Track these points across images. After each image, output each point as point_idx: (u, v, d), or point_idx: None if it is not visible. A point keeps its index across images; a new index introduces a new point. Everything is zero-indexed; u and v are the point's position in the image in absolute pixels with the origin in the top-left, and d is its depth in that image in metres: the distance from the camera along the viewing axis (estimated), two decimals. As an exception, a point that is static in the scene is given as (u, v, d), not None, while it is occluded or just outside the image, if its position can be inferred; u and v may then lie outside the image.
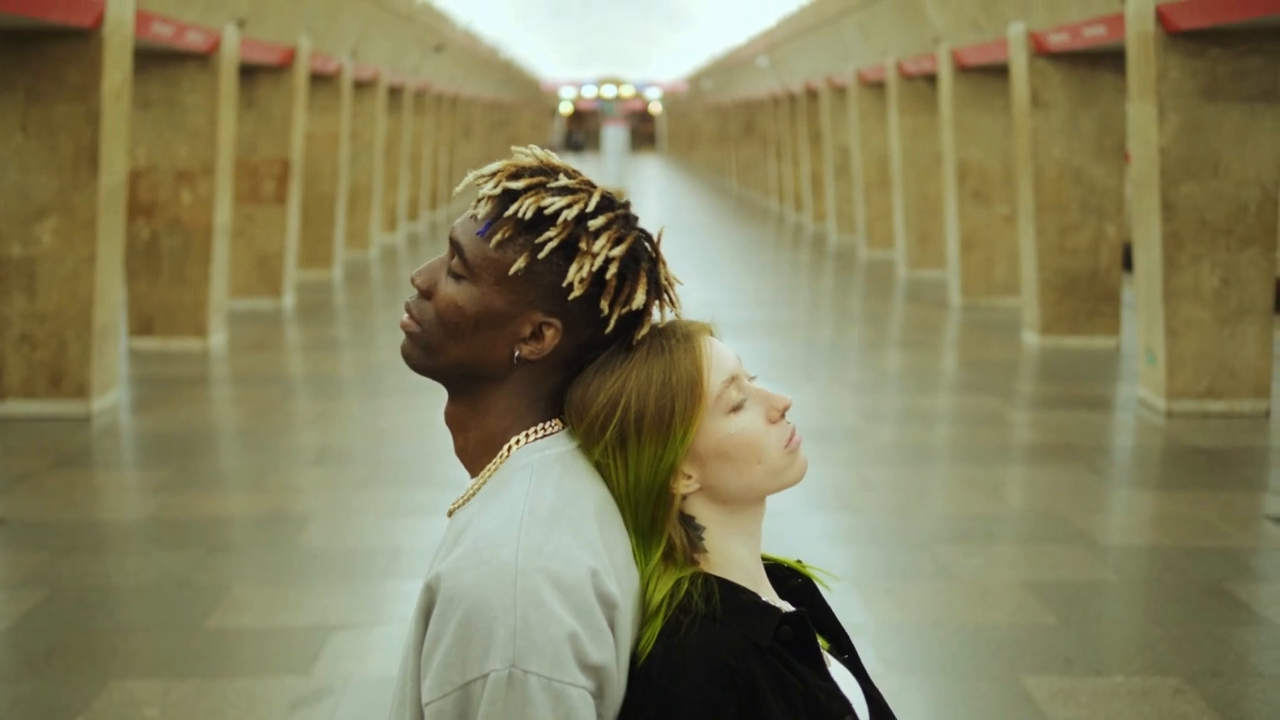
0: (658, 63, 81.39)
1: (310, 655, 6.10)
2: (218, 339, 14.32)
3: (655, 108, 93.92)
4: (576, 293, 1.74)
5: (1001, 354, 14.16)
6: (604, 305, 1.76)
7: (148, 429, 10.90)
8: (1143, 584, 7.26)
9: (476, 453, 1.82)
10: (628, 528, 1.80)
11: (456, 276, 1.78)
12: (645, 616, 1.76)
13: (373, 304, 19.08)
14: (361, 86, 23.31)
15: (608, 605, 1.65)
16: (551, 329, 1.76)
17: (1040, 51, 14.09)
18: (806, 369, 13.69)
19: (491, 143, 50.51)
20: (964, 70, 17.45)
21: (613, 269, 1.75)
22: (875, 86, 23.53)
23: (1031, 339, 14.56)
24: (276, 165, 17.16)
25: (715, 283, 20.82)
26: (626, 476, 1.78)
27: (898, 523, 8.29)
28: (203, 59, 13.92)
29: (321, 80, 20.26)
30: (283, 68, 17.11)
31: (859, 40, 23.22)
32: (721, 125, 54.60)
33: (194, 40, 13.27)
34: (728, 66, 47.47)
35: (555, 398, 1.81)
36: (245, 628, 6.48)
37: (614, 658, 1.66)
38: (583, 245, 1.75)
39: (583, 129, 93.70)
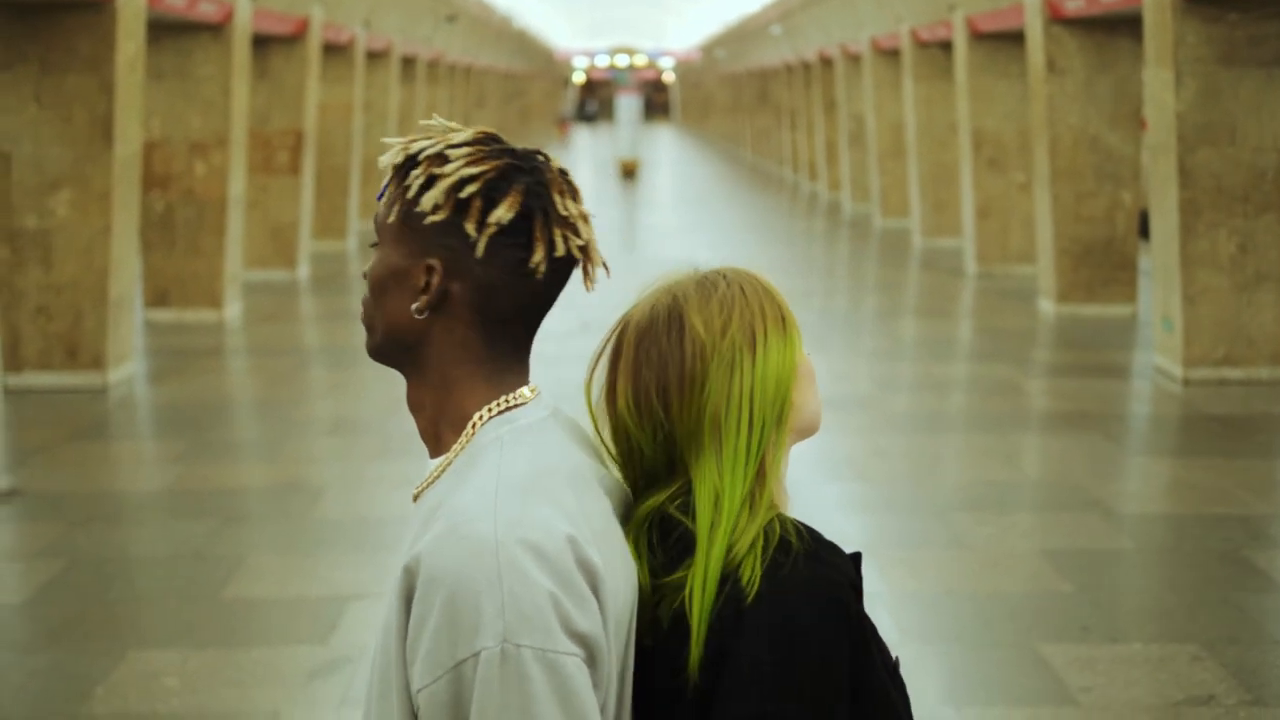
0: (671, 32, 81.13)
1: (327, 625, 6.12)
2: (233, 310, 14.34)
3: (669, 77, 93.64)
4: (432, 217, 1.69)
5: (1017, 322, 14.12)
6: (468, 228, 1.68)
7: (163, 400, 10.92)
8: (1159, 551, 7.25)
9: (439, 432, 1.78)
10: (727, 451, 1.76)
11: (374, 246, 1.79)
12: (732, 558, 1.71)
13: (387, 275, 19.05)
14: (374, 57, 23.26)
15: (589, 572, 1.61)
16: (435, 272, 1.71)
17: (1056, 18, 14.02)
18: (821, 338, 13.67)
19: (505, 113, 50.45)
20: (979, 37, 17.37)
21: (470, 188, 1.68)
22: (890, 54, 23.43)
23: (1047, 307, 14.53)
24: (290, 136, 17.15)
25: (730, 252, 20.72)
26: (755, 378, 1.76)
27: (912, 491, 8.29)
28: (216, 30, 13.90)
29: (334, 51, 20.22)
30: (295, 38, 17.08)
31: (873, 8, 23.12)
32: (735, 94, 54.45)
33: (207, 11, 13.25)
34: (741, 35, 47.32)
35: (516, 367, 1.77)
36: (262, 598, 6.50)
37: (600, 627, 1.62)
38: (436, 170, 1.70)
39: (596, 99, 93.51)
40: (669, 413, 1.77)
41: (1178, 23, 10.84)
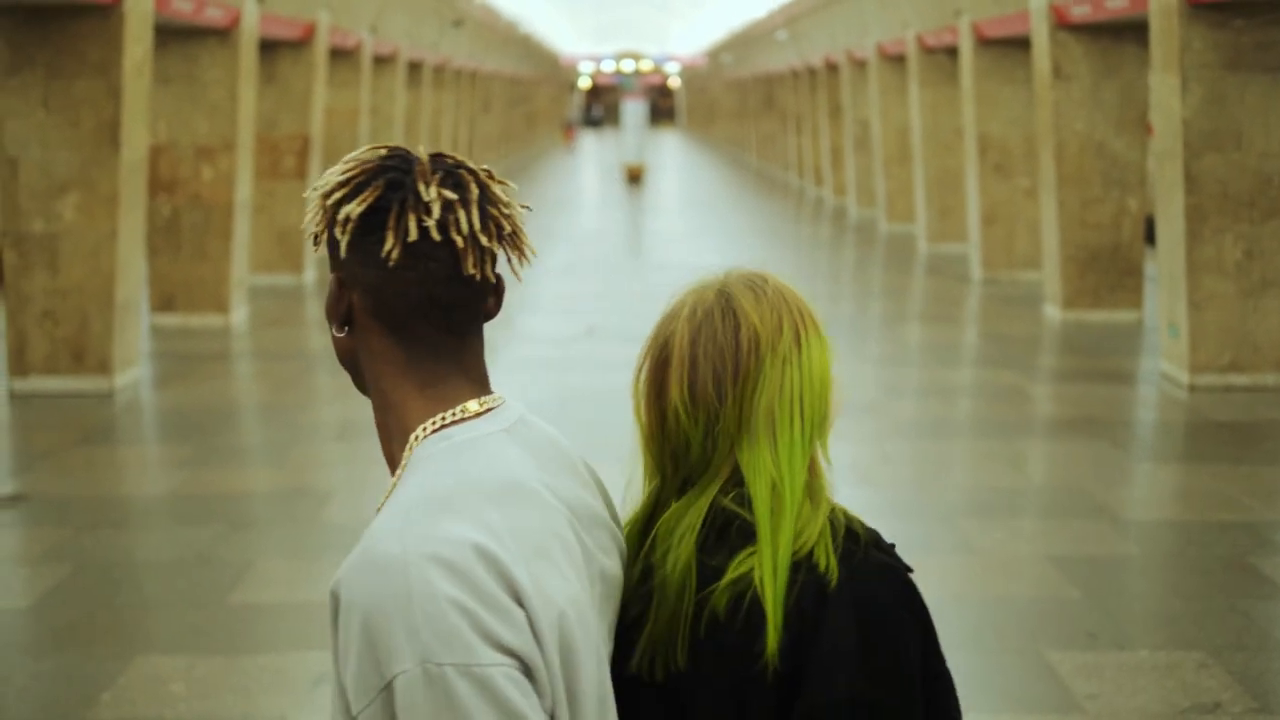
0: (676, 37, 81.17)
1: (333, 630, 6.11)
2: (239, 314, 14.35)
3: (674, 82, 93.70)
4: (314, 231, 1.74)
5: (1023, 328, 14.12)
6: (337, 233, 1.71)
7: (170, 405, 10.93)
8: (1166, 558, 7.25)
9: (392, 451, 1.76)
10: (782, 443, 1.79)
11: None
12: (801, 546, 1.74)
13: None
14: (381, 62, 23.29)
15: (510, 586, 1.58)
16: (339, 284, 1.74)
17: (1062, 23, 14.02)
18: (827, 343, 13.66)
19: (510, 118, 50.49)
20: (985, 43, 17.37)
21: (336, 196, 1.71)
22: (896, 60, 23.43)
23: (1053, 313, 14.52)
24: (297, 141, 17.16)
25: (735, 257, 20.73)
26: (803, 372, 1.80)
27: (918, 497, 8.28)
28: (223, 34, 13.92)
29: (341, 55, 20.24)
30: (302, 43, 17.10)
31: (879, 13, 23.13)
32: (741, 99, 54.46)
33: (214, 16, 13.27)
34: (747, 40, 47.33)
35: (449, 376, 1.75)
36: (268, 603, 6.50)
37: (530, 640, 1.58)
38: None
39: (601, 104, 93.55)
40: (723, 405, 1.79)
41: (1184, 29, 10.84)
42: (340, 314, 1.75)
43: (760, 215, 29.12)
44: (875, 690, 1.67)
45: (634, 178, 38.16)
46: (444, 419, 1.72)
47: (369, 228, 1.69)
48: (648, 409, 1.86)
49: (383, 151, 1.74)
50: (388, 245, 1.67)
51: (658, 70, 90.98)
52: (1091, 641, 5.98)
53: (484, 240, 1.70)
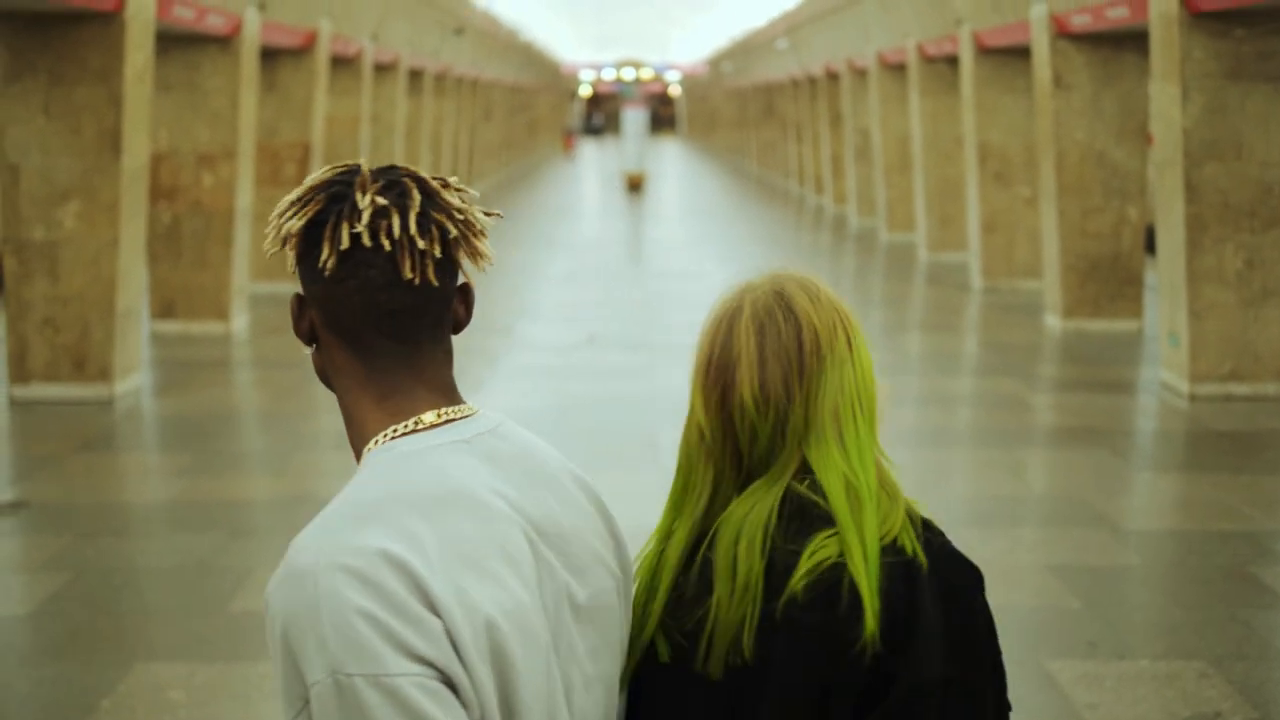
0: (677, 45, 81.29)
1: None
2: (239, 322, 14.35)
3: (675, 90, 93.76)
4: (270, 250, 1.76)
5: (1023, 337, 14.12)
6: (287, 252, 1.74)
7: (170, 412, 10.93)
8: (1166, 568, 7.24)
9: (359, 465, 1.78)
10: (849, 440, 1.84)
11: None
12: (885, 535, 1.77)
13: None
14: (382, 70, 23.30)
15: (424, 595, 1.58)
16: (299, 301, 1.77)
17: (1062, 33, 14.03)
18: (827, 352, 13.67)
19: (512, 125, 50.51)
20: (985, 52, 17.38)
21: (287, 213, 1.73)
22: (896, 69, 23.45)
23: (1053, 322, 14.52)
24: (297, 148, 17.17)
25: (735, 266, 20.78)
26: (857, 373, 1.87)
27: (920, 506, 8.26)
28: (224, 42, 13.93)
29: (342, 63, 20.26)
30: (304, 51, 17.11)
31: (879, 22, 23.14)
32: (741, 108, 54.50)
33: (215, 23, 13.28)
34: (747, 49, 47.38)
35: (406, 386, 1.75)
36: (268, 610, 6.50)
37: (447, 650, 1.58)
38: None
39: (602, 112, 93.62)
40: (791, 403, 1.81)
41: (1184, 38, 10.84)
42: (304, 331, 1.78)
43: (760, 223, 29.13)
44: (965, 671, 1.73)
45: (634, 186, 38.18)
46: (395, 431, 1.73)
47: (312, 242, 1.71)
48: (711, 411, 1.85)
49: (340, 169, 1.75)
50: (323, 255, 1.68)
51: (658, 79, 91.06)
52: (1092, 651, 5.97)
53: (421, 244, 1.68)
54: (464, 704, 1.59)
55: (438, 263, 1.71)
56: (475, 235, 1.75)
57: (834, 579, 1.72)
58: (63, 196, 10.84)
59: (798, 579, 1.73)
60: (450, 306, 1.78)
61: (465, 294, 1.80)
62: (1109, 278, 14.31)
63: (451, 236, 1.72)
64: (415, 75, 26.83)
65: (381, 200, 1.69)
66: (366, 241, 1.67)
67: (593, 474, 1.95)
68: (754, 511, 1.79)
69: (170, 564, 7.21)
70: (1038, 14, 14.37)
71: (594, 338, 13.87)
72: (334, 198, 1.71)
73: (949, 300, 16.98)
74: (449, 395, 1.79)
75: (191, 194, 14.01)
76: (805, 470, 1.82)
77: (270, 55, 16.61)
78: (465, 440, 1.74)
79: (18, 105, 10.80)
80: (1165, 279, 11.43)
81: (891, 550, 1.76)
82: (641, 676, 1.83)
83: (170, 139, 13.97)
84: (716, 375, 1.85)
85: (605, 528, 1.85)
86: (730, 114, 60.85)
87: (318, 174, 1.76)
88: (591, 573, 1.79)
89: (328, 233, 1.69)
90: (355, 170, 1.74)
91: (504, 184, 41.51)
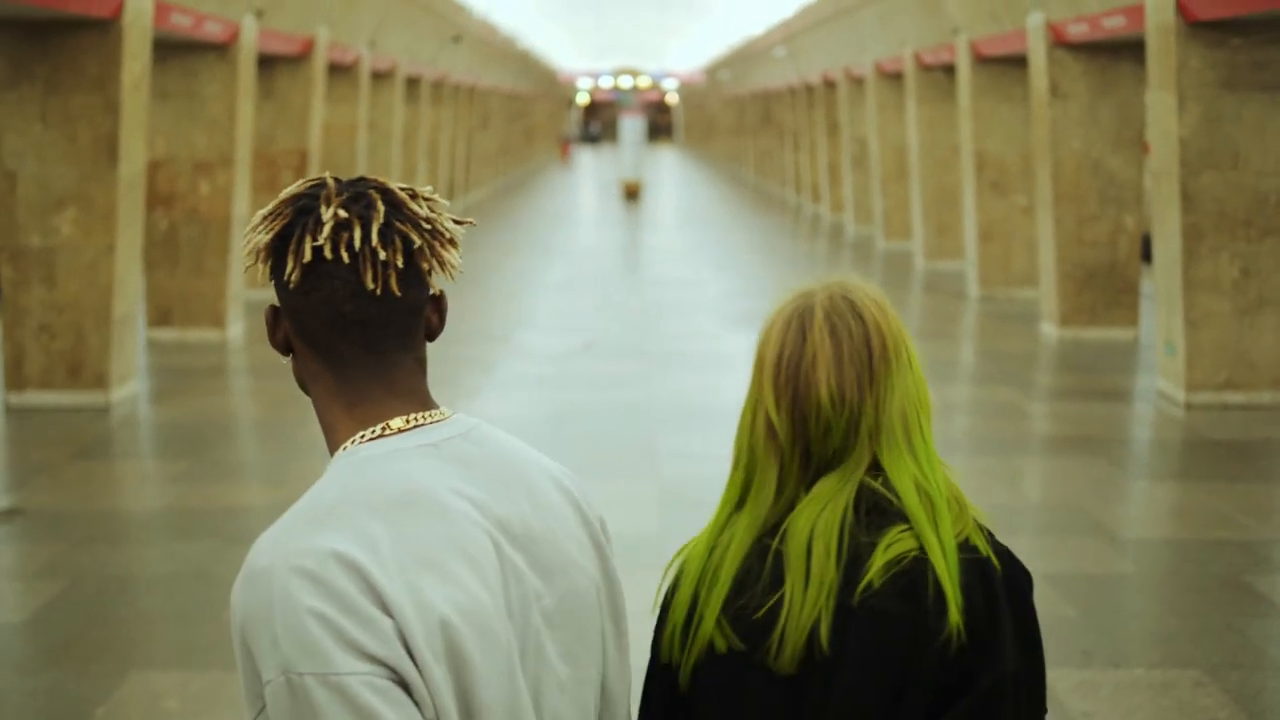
0: (675, 53, 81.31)
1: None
2: (236, 329, 14.35)
3: (672, 98, 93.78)
4: (246, 263, 1.79)
5: (1019, 345, 14.12)
6: (257, 263, 1.78)
7: (166, 419, 10.92)
8: (1162, 576, 7.24)
9: None
10: (917, 443, 1.87)
11: None
12: (958, 535, 1.82)
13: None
14: (379, 77, 23.32)
15: (376, 595, 1.60)
16: (274, 313, 1.82)
17: (1059, 42, 14.04)
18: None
19: (509, 133, 50.52)
20: (982, 61, 17.40)
21: (259, 227, 1.76)
22: (893, 77, 23.47)
23: (1050, 330, 14.53)
24: (294, 156, 17.18)
25: (733, 273, 20.79)
26: (915, 379, 1.91)
27: (916, 514, 8.26)
28: (221, 49, 13.94)
29: (339, 71, 20.27)
30: (301, 58, 17.12)
31: (877, 31, 23.16)
32: (739, 116, 54.53)
33: (212, 31, 13.29)
34: (745, 57, 47.41)
35: (375, 394, 1.77)
36: (264, 618, 6.49)
37: (398, 649, 1.60)
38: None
39: (599, 120, 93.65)
40: (864, 403, 1.86)
41: (1181, 47, 10.86)
42: (279, 342, 1.82)
43: (757, 232, 29.13)
44: (1032, 668, 1.79)
45: (631, 194, 38.19)
46: (362, 437, 1.76)
47: (280, 255, 1.74)
48: (784, 409, 1.88)
49: (311, 183, 1.78)
50: (288, 268, 1.72)
51: (656, 87, 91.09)
52: (1087, 659, 5.97)
53: (383, 255, 1.70)
54: (417, 703, 1.60)
55: (401, 273, 1.73)
56: (443, 245, 1.76)
57: (916, 571, 1.76)
58: (59, 204, 10.84)
59: (875, 570, 1.76)
60: (421, 315, 1.79)
61: (438, 303, 1.82)
62: (1105, 286, 14.32)
63: (416, 247, 1.73)
64: (412, 83, 26.85)
65: (344, 213, 1.71)
66: (328, 254, 1.70)
67: (590, 482, 1.95)
68: (829, 507, 1.82)
69: (166, 571, 7.20)
70: (1034, 23, 14.39)
71: (591, 345, 13.86)
72: (301, 211, 1.73)
73: (945, 308, 16.99)
74: (421, 402, 1.80)
75: (188, 201, 14.01)
76: (876, 468, 1.87)
77: (267, 63, 16.61)
78: (433, 444, 1.76)
79: (14, 112, 10.80)
80: (1162, 288, 11.44)
81: (966, 549, 1.81)
82: (701, 668, 1.84)
83: (167, 146, 13.97)
84: (790, 374, 1.88)
85: (585, 532, 1.85)
86: (728, 122, 60.89)
87: (290, 188, 1.78)
88: (564, 575, 1.79)
89: (292, 246, 1.72)
90: (323, 184, 1.76)
91: (501, 191, 41.53)
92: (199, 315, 14.08)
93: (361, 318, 1.73)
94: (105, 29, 10.78)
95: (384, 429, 1.76)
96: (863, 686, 1.74)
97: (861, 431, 1.85)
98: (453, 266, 1.78)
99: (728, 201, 39.24)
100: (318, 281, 1.72)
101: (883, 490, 1.84)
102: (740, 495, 1.91)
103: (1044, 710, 1.83)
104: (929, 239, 20.82)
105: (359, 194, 1.74)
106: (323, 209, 1.71)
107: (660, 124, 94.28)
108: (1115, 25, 12.57)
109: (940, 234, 20.73)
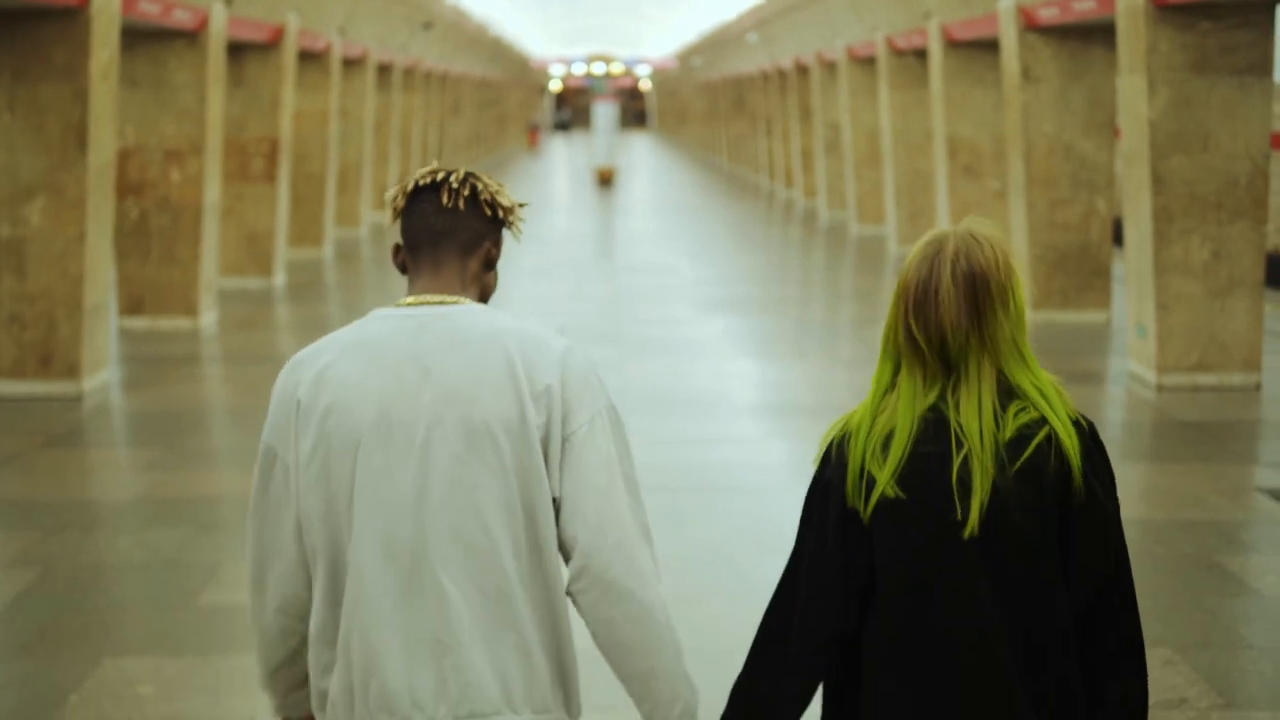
0: (648, 40, 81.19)
1: (303, 632, 6.09)
2: (208, 318, 14.30)
3: (645, 85, 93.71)
4: (389, 219, 2.69)
5: (992, 329, 14.14)
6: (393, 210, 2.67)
7: (138, 408, 10.89)
8: (1133, 556, 7.21)
9: None
10: (1027, 355, 2.47)
11: None
12: (1071, 415, 2.50)
13: (363, 282, 19.06)
14: (350, 64, 23.25)
15: (289, 399, 2.53)
16: (396, 249, 2.69)
17: (1030, 26, 14.07)
18: (798, 345, 13.70)
19: (481, 120, 50.43)
20: (954, 45, 17.44)
21: (392, 190, 2.67)
22: (865, 62, 23.50)
23: (1022, 314, 14.55)
24: (265, 143, 17.12)
25: (706, 260, 20.79)
26: (1018, 309, 2.47)
27: (889, 497, 8.28)
28: (190, 37, 13.88)
29: (310, 58, 20.21)
30: (271, 46, 17.06)
31: (849, 16, 23.18)
32: (711, 102, 54.52)
33: (181, 18, 13.23)
34: (718, 43, 47.38)
35: (419, 286, 2.60)
36: (237, 604, 6.48)
37: (287, 443, 2.53)
38: None
39: (571, 106, 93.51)
40: (979, 327, 2.43)
41: (1151, 31, 10.90)
42: (398, 264, 2.66)
43: (731, 217, 29.15)
44: (1118, 505, 2.53)
45: (605, 181, 38.18)
46: (389, 304, 2.61)
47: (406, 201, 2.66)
48: (920, 327, 2.45)
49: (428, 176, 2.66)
50: (396, 196, 2.63)
51: (629, 73, 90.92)
52: (1060, 640, 5.99)
53: (455, 185, 2.58)
54: (287, 464, 2.59)
55: (467, 200, 2.58)
56: (499, 196, 2.62)
57: (1046, 435, 2.44)
58: (28, 193, 10.78)
59: (1010, 430, 2.43)
60: (480, 239, 2.61)
61: (496, 240, 2.63)
62: (1077, 269, 14.37)
63: (483, 198, 2.60)
64: (384, 70, 26.77)
65: (437, 168, 2.63)
66: (423, 183, 2.60)
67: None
68: (983, 394, 2.43)
69: (139, 559, 7.19)
70: (1005, 7, 14.42)
71: (564, 330, 13.84)
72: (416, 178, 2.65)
73: (918, 293, 16.99)
74: (440, 291, 2.57)
75: (159, 190, 13.95)
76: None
77: (237, 50, 16.55)
78: (411, 315, 2.54)
79: (-17, 101, 10.73)
80: (1133, 270, 11.49)
81: (1074, 421, 2.48)
82: (879, 510, 2.43)
83: (137, 135, 13.91)
84: (919, 300, 2.45)
85: (510, 385, 2.47)
86: (700, 108, 60.88)
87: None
88: (467, 406, 2.46)
89: (401, 186, 2.64)
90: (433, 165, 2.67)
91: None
92: (171, 304, 14.03)
93: (438, 226, 2.58)
94: (73, 17, 10.72)
95: (398, 303, 2.58)
96: (1022, 529, 2.41)
97: (982, 343, 2.43)
98: (505, 209, 2.62)
99: (701, 187, 39.24)
100: (417, 204, 2.59)
101: (1009, 381, 2.45)
102: (891, 379, 2.52)
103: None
104: (902, 223, 20.86)
105: (448, 169, 2.63)
106: (424, 169, 2.62)
107: (633, 110, 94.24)
108: (1085, 8, 12.61)
109: (913, 218, 20.77)
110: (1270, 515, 7.96)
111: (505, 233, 2.66)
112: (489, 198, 2.58)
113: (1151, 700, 5.31)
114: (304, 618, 2.61)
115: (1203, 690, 5.47)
